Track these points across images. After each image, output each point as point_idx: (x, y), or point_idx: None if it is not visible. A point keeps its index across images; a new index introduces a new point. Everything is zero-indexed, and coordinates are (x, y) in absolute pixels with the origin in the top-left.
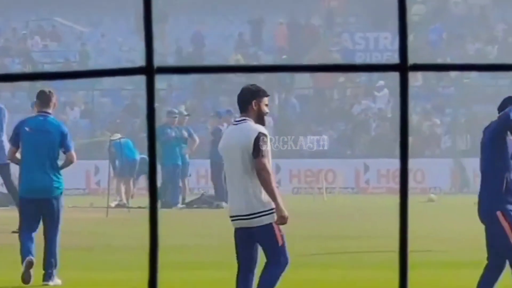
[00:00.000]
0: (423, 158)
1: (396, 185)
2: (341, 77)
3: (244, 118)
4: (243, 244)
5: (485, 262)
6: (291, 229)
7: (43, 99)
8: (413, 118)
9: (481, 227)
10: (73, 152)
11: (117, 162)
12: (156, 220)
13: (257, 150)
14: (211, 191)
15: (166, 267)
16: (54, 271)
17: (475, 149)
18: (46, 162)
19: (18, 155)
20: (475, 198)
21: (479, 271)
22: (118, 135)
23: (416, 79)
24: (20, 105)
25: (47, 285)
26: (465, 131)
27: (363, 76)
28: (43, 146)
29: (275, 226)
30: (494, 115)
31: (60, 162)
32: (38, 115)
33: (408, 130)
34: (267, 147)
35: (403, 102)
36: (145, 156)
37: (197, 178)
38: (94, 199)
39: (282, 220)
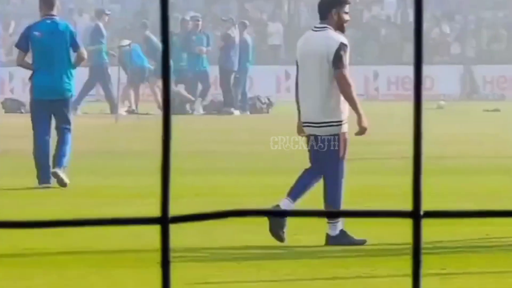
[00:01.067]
0: (433, 65)
1: (405, 92)
2: None
3: (324, 26)
4: (314, 151)
5: (497, 167)
6: (294, 135)
7: (47, 2)
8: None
9: (493, 133)
10: (83, 49)
11: (126, 69)
12: (169, 125)
13: (338, 61)
14: (220, 97)
15: (178, 173)
16: (63, 170)
17: (484, 56)
18: (57, 64)
19: (27, 59)
20: (484, 105)
21: (489, 177)
22: (127, 41)
23: None
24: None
25: (55, 173)
26: (475, 38)
27: None
28: (54, 48)
29: (341, 137)
30: (503, 22)
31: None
32: (45, 19)
33: (422, 39)
34: (347, 57)
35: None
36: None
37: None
38: (104, 105)
39: (363, 130)
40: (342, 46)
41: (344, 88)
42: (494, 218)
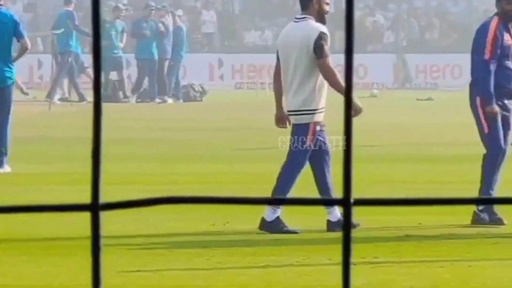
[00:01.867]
0: (366, 54)
1: None
2: None
3: (304, 16)
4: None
5: (428, 155)
6: (228, 123)
7: None
8: (356, 14)
9: (425, 122)
10: (27, 39)
11: (59, 56)
12: (100, 113)
13: (320, 50)
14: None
15: (112, 160)
16: (5, 159)
17: (417, 45)
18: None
19: None
20: (417, 94)
21: (417, 166)
22: (61, 29)
23: None
24: None
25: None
26: (407, 27)
27: None
28: None
29: (311, 127)
30: (436, 11)
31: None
32: None
33: (353, 28)
34: (328, 46)
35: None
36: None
37: None
38: (37, 93)
39: (355, 112)
40: (322, 35)
41: (329, 77)
42: (425, 206)
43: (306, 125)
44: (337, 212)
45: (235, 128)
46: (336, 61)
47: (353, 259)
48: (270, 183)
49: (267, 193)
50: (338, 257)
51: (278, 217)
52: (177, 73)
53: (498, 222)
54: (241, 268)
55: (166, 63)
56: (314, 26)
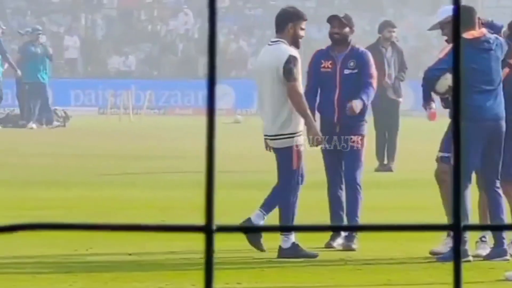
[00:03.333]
0: (230, 79)
1: (203, 106)
2: None
3: (277, 39)
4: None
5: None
6: (91, 149)
7: None
8: (220, 40)
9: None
10: None
11: None
12: None
13: (288, 74)
14: (17, 111)
15: None
16: None
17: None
18: None
19: None
20: None
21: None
22: None
23: (223, 0)
24: None
25: None
26: None
27: None
28: None
29: (294, 150)
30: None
31: None
32: None
33: (216, 51)
34: (298, 70)
35: (211, 23)
36: None
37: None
38: None
39: (315, 140)
40: (291, 59)
41: (295, 101)
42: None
43: (289, 148)
44: (292, 237)
45: (98, 153)
46: (200, 86)
47: (215, 284)
48: (133, 208)
49: (131, 218)
50: (201, 283)
51: (294, 242)
52: (41, 98)
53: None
54: None
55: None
56: (285, 50)
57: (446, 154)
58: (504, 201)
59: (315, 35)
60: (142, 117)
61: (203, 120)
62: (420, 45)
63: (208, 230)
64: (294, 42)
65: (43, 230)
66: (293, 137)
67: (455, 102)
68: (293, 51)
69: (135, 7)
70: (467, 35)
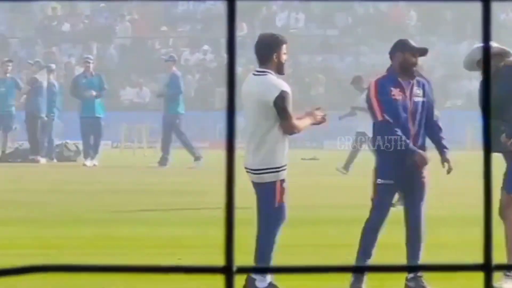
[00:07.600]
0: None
1: (220, 139)
2: (163, 26)
3: (264, 70)
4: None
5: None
6: (108, 185)
7: None
8: (238, 70)
9: (310, 183)
10: None
11: None
12: None
13: (283, 111)
14: (26, 145)
15: None
16: None
17: (302, 99)
18: None
19: None
20: (302, 153)
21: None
22: None
23: (241, 28)
24: None
25: None
26: (291, 82)
27: (186, 25)
28: None
29: (277, 185)
30: (319, 65)
31: None
32: None
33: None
34: (290, 104)
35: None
36: None
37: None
38: None
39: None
40: (284, 94)
41: (292, 133)
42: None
43: (272, 183)
44: (268, 277)
45: (111, 189)
46: (218, 119)
47: None
48: (149, 247)
49: (147, 257)
50: None
51: (270, 282)
52: (50, 131)
53: None
54: None
55: (39, 121)
56: (275, 83)
57: None
58: None
59: (338, 65)
60: (157, 151)
61: (220, 153)
62: (448, 73)
63: (228, 271)
64: (279, 70)
65: (56, 272)
66: (277, 171)
67: (485, 134)
68: (284, 85)
69: (149, 36)
70: None
